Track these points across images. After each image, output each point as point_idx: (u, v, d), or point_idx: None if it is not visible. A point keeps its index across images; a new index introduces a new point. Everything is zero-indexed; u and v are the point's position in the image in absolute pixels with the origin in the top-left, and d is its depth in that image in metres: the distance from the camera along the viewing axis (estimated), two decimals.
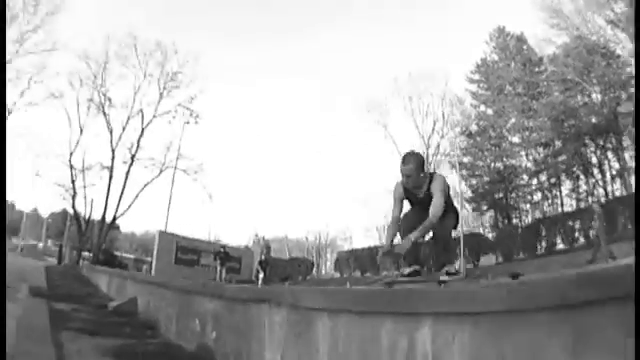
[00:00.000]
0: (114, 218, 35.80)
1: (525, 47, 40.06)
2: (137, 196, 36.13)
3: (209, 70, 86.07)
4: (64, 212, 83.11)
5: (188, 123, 36.70)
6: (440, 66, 40.63)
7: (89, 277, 19.80)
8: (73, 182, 36.47)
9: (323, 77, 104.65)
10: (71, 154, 37.06)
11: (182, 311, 5.78)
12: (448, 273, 4.87)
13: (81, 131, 38.09)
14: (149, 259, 42.59)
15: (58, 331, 5.17)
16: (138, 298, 8.27)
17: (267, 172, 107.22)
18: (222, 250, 23.17)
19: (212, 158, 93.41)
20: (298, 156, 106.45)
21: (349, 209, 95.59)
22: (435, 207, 4.72)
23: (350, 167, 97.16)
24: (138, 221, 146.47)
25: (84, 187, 36.80)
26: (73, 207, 37.07)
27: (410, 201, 5.11)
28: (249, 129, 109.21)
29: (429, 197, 4.83)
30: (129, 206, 36.07)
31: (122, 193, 36.05)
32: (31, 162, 50.49)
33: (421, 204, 4.93)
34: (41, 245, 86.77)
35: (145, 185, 36.31)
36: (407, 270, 5.01)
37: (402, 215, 5.07)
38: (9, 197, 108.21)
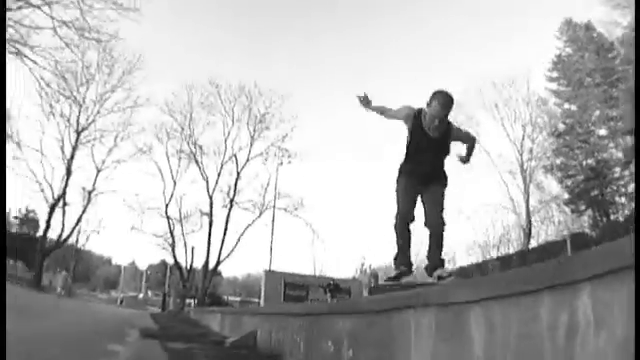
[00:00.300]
0: (218, 262, 37.09)
1: (595, 34, 39.22)
2: (239, 239, 37.44)
3: (298, 105, 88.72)
4: (163, 263, 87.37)
5: (282, 164, 37.91)
6: (518, 69, 39.58)
7: (198, 319, 20.72)
8: (171, 232, 38.56)
9: (405, 98, 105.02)
10: (167, 205, 39.27)
11: (311, 335, 5.92)
12: (440, 277, 4.88)
13: (174, 182, 40.36)
14: (256, 300, 43.73)
15: None
16: (257, 331, 8.64)
17: (367, 199, 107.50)
18: (331, 283, 23.69)
19: (312, 191, 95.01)
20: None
21: (448, 228, 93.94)
22: (474, 135, 5.43)
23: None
24: (239, 265, 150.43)
25: (183, 235, 38.64)
26: (174, 256, 39.01)
27: (413, 141, 5.05)
28: (345, 158, 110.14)
29: (442, 142, 5.00)
30: (232, 249, 37.56)
31: (224, 237, 37.64)
32: (126, 217, 53.34)
33: (428, 148, 4.95)
34: (141, 296, 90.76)
35: (246, 227, 37.74)
36: (394, 273, 5.12)
37: (401, 188, 5.12)
38: (106, 253, 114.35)
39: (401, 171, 5.19)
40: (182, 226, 39.64)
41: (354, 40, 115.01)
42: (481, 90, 41.63)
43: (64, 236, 43.70)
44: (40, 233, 58.64)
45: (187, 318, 22.72)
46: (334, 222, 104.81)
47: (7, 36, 23.19)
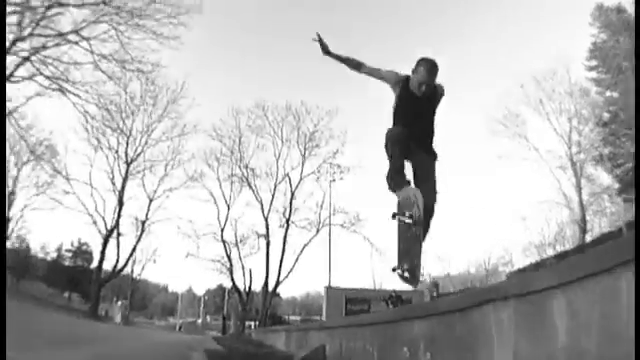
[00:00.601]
0: (277, 283, 37.51)
1: (627, 16, 38.10)
2: (297, 258, 37.86)
3: (346, 119, 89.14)
4: (220, 287, 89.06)
5: (334, 180, 38.32)
6: (558, 61, 39.08)
7: (261, 339, 21.01)
8: (228, 256, 39.33)
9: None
10: (222, 230, 40.09)
11: (384, 343, 6.00)
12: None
13: (228, 207, 41.21)
14: (317, 317, 44.02)
15: None
16: (325, 345, 8.78)
17: None
18: (393, 294, 23.72)
19: (368, 203, 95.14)
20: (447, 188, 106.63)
21: (503, 231, 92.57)
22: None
23: (497, 187, 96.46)
24: (297, 285, 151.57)
25: (240, 259, 39.33)
26: (232, 280, 39.75)
27: (401, 104, 5.18)
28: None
29: (430, 105, 5.19)
30: (291, 269, 37.99)
31: (282, 257, 38.14)
32: (181, 244, 54.38)
33: (417, 112, 5.10)
34: (199, 321, 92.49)
35: (304, 246, 38.14)
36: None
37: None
38: (163, 280, 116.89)
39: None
40: (239, 249, 40.39)
41: (392, 45, 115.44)
42: (523, 87, 41.73)
43: (119, 266, 44.91)
44: (94, 264, 60.83)
45: (250, 339, 23.06)
46: (390, 232, 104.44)
47: (48, 73, 24.30)
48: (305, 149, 41.49)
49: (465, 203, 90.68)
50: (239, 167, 42.15)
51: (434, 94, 5.17)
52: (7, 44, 21.92)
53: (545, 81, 41.37)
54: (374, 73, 5.32)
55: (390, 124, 5.29)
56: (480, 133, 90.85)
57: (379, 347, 6.23)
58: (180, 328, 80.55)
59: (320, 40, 5.34)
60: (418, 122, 5.14)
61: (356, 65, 5.31)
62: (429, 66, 4.95)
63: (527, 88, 41.83)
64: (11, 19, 22.19)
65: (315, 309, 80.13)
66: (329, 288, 29.07)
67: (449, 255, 63.50)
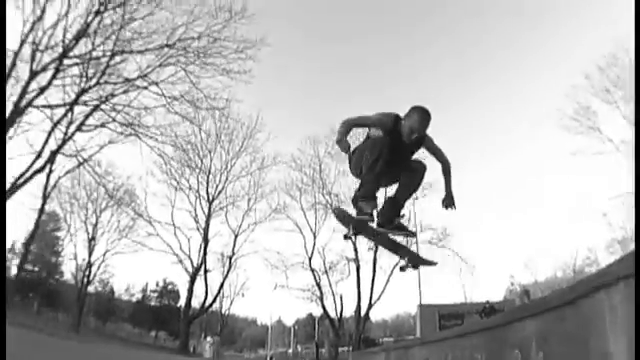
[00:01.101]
0: (370, 305, 37.58)
1: None
2: (388, 279, 37.81)
3: None
4: (309, 316, 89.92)
5: (417, 198, 38.31)
6: (616, 45, 37.59)
7: None
8: (318, 284, 39.74)
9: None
10: (310, 258, 40.65)
11: (493, 349, 6.09)
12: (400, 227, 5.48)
13: (314, 235, 41.77)
14: (410, 337, 43.77)
15: None
16: None
17: (505, 215, 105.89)
18: (487, 306, 23.52)
19: (453, 218, 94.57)
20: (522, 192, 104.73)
21: (585, 230, 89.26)
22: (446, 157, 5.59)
23: (574, 185, 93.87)
24: (386, 307, 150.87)
25: (330, 285, 39.71)
26: (322, 307, 40.11)
27: (384, 138, 5.24)
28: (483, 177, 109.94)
29: (413, 148, 5.45)
30: (383, 290, 37.85)
31: (373, 280, 38.06)
32: (269, 276, 55.03)
33: (396, 152, 5.22)
34: (290, 351, 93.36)
35: (394, 266, 37.91)
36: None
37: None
38: (251, 314, 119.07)
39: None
40: (328, 276, 40.67)
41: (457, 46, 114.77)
42: (589, 77, 41.10)
43: (208, 302, 46.19)
44: (180, 303, 62.61)
45: None
46: (477, 243, 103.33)
47: (120, 118, 25.35)
48: None
49: (543, 206, 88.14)
50: (322, 194, 42.74)
51: (419, 141, 5.40)
52: (73, 95, 23.26)
53: (609, 68, 40.30)
54: (365, 122, 5.49)
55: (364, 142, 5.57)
56: (550, 133, 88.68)
57: (488, 353, 6.33)
58: (271, 359, 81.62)
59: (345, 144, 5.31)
60: (396, 158, 5.33)
61: (348, 128, 5.36)
62: (424, 116, 5.20)
63: (592, 78, 41.14)
64: (73, 71, 23.58)
65: (406, 330, 79.43)
66: (422, 306, 29.00)
67: (535, 261, 61.80)
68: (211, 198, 45.33)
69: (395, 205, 5.61)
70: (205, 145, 43.20)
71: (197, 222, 45.23)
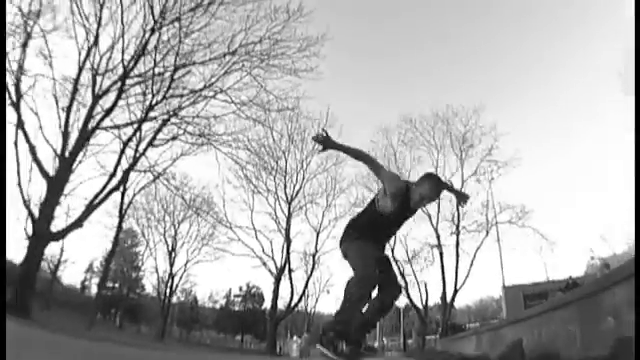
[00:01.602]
0: (455, 291, 37.44)
1: None
2: (472, 263, 37.48)
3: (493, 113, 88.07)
4: (394, 308, 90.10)
5: (493, 179, 37.92)
6: None
7: (446, 348, 21.34)
8: (402, 274, 39.74)
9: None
10: (392, 249, 40.72)
11: (586, 318, 6.17)
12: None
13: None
14: (494, 321, 43.48)
15: None
16: (522, 339, 8.94)
17: (581, 188, 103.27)
18: (570, 282, 23.16)
19: (531, 195, 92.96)
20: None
21: None
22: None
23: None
24: (469, 292, 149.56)
25: (414, 274, 39.85)
26: (408, 296, 40.10)
27: (394, 212, 5.23)
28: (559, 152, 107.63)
29: (407, 217, 5.42)
30: (467, 274, 37.50)
31: (457, 265, 37.82)
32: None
33: (398, 220, 5.35)
34: (376, 344, 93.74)
35: (476, 250, 37.62)
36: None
37: (362, 252, 5.11)
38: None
39: (361, 234, 5.33)
40: (411, 265, 40.72)
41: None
42: None
43: (294, 302, 47.01)
44: (265, 305, 63.91)
45: (434, 350, 23.41)
46: (553, 219, 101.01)
47: (190, 130, 25.97)
48: (461, 151, 41.14)
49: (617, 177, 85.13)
50: None
51: (416, 209, 5.41)
52: (139, 113, 24.02)
53: None
54: (376, 171, 5.42)
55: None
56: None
57: (581, 324, 6.40)
58: None
59: (317, 139, 5.50)
60: (395, 229, 5.52)
61: (358, 156, 5.42)
62: (436, 184, 5.21)
63: None
64: (137, 89, 24.39)
65: (490, 314, 78.24)
66: (507, 287, 28.67)
67: (612, 234, 59.63)
68: (290, 198, 45.67)
69: (366, 327, 5.42)
70: (279, 146, 43.64)
71: (278, 223, 45.60)
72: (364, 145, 56.78)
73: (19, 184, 18.00)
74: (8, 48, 18.88)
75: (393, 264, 5.64)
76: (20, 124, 18.04)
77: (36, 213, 18.30)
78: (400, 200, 5.18)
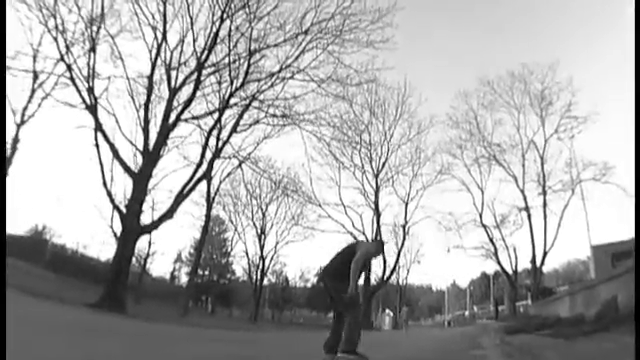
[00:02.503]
0: (544, 254, 36.87)
1: None
2: (560, 223, 36.84)
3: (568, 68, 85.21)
4: (483, 275, 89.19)
5: (573, 136, 36.95)
6: None
7: (539, 312, 20.92)
8: (491, 240, 39.53)
9: None
10: (480, 215, 40.65)
11: None
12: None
13: (482, 190, 41.65)
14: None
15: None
16: (617, 295, 8.66)
17: None
18: None
19: (616, 147, 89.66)
20: None
21: None
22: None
23: None
24: (555, 255, 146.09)
25: (503, 239, 39.41)
26: (498, 262, 39.86)
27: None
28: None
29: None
30: (556, 236, 36.84)
31: (545, 226, 37.22)
32: (442, 239, 55.12)
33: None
34: (467, 313, 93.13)
35: (563, 210, 36.93)
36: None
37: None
38: (425, 281, 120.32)
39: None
40: (500, 230, 40.27)
41: None
42: None
43: (386, 275, 47.43)
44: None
45: (528, 315, 22.98)
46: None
47: (272, 111, 26.13)
48: (540, 109, 40.26)
49: None
50: (483, 147, 42.26)
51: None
52: (217, 103, 24.35)
53: None
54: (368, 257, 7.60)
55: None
56: None
57: None
58: (449, 323, 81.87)
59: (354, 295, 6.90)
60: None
61: (357, 270, 6.87)
62: (382, 247, 7.89)
63: None
64: (211, 80, 24.65)
65: (577, 276, 75.96)
66: (595, 247, 27.61)
67: None
68: (376, 171, 46.31)
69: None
70: (361, 120, 43.77)
71: (366, 198, 46.39)
72: (444, 111, 55.99)
73: (104, 184, 18.51)
74: (76, 55, 19.47)
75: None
76: (98, 126, 18.53)
77: (123, 210, 18.90)
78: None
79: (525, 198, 39.03)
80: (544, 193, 37.85)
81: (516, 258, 39.73)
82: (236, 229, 56.93)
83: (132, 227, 18.44)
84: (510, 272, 39.88)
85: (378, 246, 7.74)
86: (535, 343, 7.46)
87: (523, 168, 39.68)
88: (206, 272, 68.43)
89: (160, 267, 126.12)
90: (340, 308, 6.98)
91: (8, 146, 23.61)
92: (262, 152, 45.68)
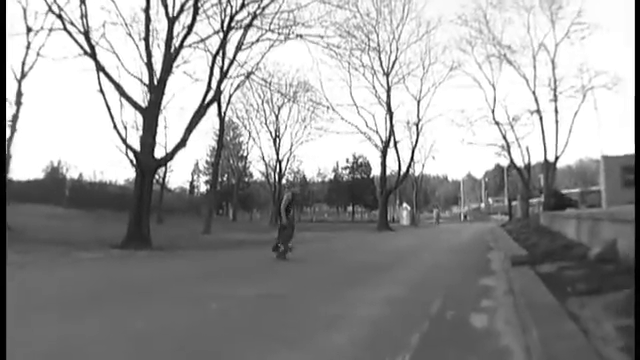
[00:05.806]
0: (556, 157, 37.04)
1: None
2: (570, 129, 36.74)
3: None
4: (498, 167, 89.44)
5: (584, 38, 36.33)
6: None
7: (549, 226, 21.05)
8: (504, 137, 39.56)
9: None
10: (493, 111, 40.39)
11: None
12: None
13: (493, 87, 41.28)
14: (595, 188, 42.73)
15: (563, 301, 5.54)
16: (618, 240, 8.54)
17: None
18: None
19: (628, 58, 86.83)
20: None
21: None
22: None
23: None
24: (569, 153, 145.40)
25: (516, 139, 39.42)
26: (510, 159, 40.17)
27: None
28: None
29: None
30: (567, 141, 36.90)
31: (557, 131, 37.05)
32: (455, 134, 55.33)
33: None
34: (482, 206, 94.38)
35: (574, 115, 36.70)
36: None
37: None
38: (442, 172, 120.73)
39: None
40: (513, 130, 40.19)
41: None
42: None
43: (402, 171, 48.07)
44: (373, 173, 65.80)
45: (539, 227, 23.16)
46: None
47: (275, 26, 25.35)
48: (551, 13, 38.71)
49: None
50: (493, 46, 41.41)
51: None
52: (217, 26, 23.55)
53: None
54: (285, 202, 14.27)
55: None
56: None
57: None
58: (466, 217, 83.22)
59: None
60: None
61: (282, 209, 14.30)
62: (294, 197, 14.52)
63: None
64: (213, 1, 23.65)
65: (589, 177, 76.03)
66: (606, 157, 27.41)
67: None
68: (387, 70, 45.94)
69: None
70: (368, 21, 42.96)
71: (378, 97, 46.27)
72: (453, 9, 53.93)
73: (115, 127, 18.22)
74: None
75: None
76: (100, 68, 18.03)
77: (137, 149, 18.72)
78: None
79: (537, 99, 38.43)
80: (555, 99, 37.33)
81: (529, 156, 39.99)
82: (250, 134, 57.50)
83: (148, 163, 18.48)
84: (523, 170, 40.25)
85: (289, 195, 14.34)
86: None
87: (534, 70, 38.85)
88: (224, 178, 69.37)
89: (178, 179, 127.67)
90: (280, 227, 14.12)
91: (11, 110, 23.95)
92: (270, 60, 45.10)
